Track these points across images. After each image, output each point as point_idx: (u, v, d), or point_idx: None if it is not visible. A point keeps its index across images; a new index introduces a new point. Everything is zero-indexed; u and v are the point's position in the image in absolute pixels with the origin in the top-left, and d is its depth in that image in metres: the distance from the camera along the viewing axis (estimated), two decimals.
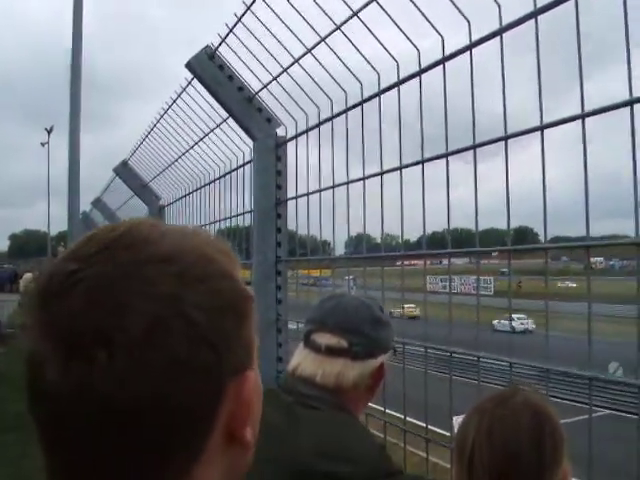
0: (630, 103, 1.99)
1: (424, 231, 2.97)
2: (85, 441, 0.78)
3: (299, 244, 4.54)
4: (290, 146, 4.42)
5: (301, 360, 2.25)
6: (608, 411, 24.94)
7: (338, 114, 3.66)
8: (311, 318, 2.33)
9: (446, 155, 2.76)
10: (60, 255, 0.86)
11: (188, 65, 4.54)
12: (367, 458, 1.99)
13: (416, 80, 2.99)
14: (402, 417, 3.23)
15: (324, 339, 2.22)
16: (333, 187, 3.70)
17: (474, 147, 2.61)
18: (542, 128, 2.30)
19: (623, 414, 22.90)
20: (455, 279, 69.30)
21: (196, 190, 6.82)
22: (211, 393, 0.84)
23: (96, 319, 0.77)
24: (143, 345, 0.77)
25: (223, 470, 0.90)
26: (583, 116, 2.15)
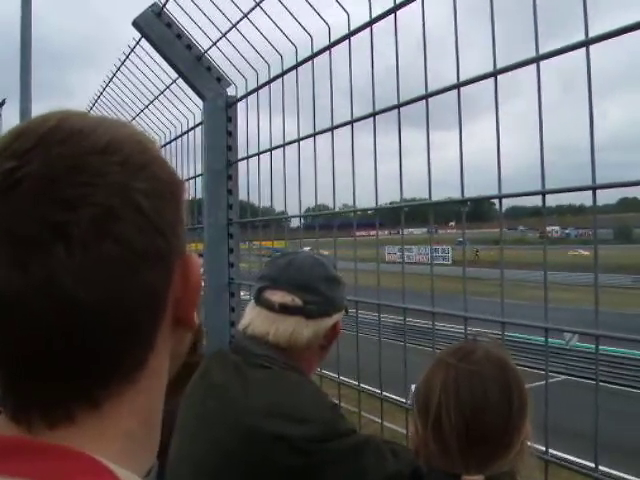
0: (586, 44, 1.94)
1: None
2: (44, 340, 0.74)
3: (251, 213, 4.44)
4: (242, 108, 4.33)
5: (253, 318, 2.18)
6: (564, 377, 25.33)
7: (288, 70, 3.55)
8: (263, 275, 2.26)
9: (398, 106, 2.68)
10: None
11: (135, 24, 4.40)
12: (318, 418, 1.94)
13: (369, 33, 2.90)
14: (355, 383, 3.19)
15: (277, 297, 2.15)
16: (284, 145, 3.61)
17: (426, 97, 2.54)
18: (495, 74, 2.24)
19: (580, 379, 23.30)
20: (413, 249, 69.68)
21: None
22: (165, 280, 0.83)
23: (48, 214, 0.73)
24: (99, 237, 0.74)
25: (169, 353, 0.91)
26: (538, 59, 2.09)
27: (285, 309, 2.13)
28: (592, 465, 2.11)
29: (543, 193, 2.13)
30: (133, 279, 0.77)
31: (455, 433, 1.70)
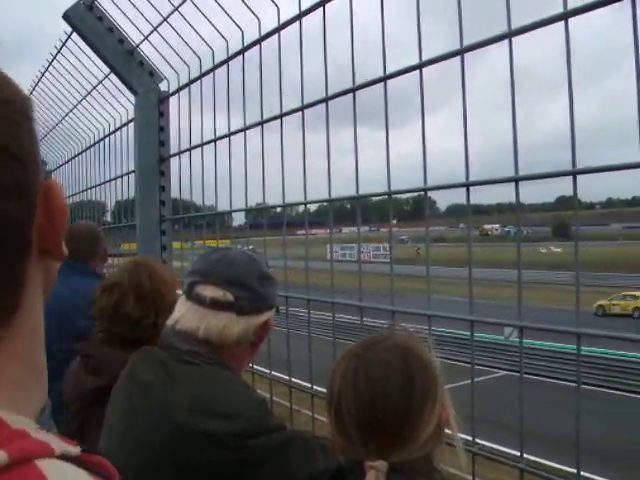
0: (508, 36, 1.97)
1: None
2: None
3: (184, 211, 4.40)
4: (175, 103, 4.28)
5: (183, 313, 2.13)
6: (504, 372, 25.77)
7: (220, 64, 3.52)
8: (195, 270, 2.21)
9: (326, 100, 2.68)
10: None
11: (65, 16, 4.33)
12: (244, 414, 1.92)
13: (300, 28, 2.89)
14: (287, 378, 3.18)
15: (208, 291, 2.10)
16: (215, 140, 3.59)
17: (353, 90, 2.56)
18: (421, 66, 2.26)
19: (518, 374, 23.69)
20: (354, 247, 69.84)
21: (81, 153, 6.61)
22: (28, 212, 0.76)
23: None
24: None
25: (40, 285, 0.84)
26: (462, 51, 2.11)
27: (216, 304, 2.09)
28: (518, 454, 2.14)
29: (467, 185, 2.15)
30: None
31: (354, 421, 1.69)
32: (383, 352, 1.74)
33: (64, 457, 0.70)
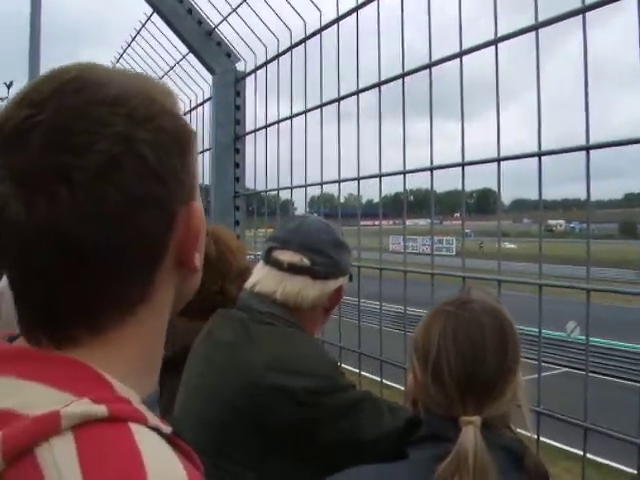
0: (582, 11, 2.00)
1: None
2: (48, 273, 0.83)
3: (258, 200, 4.53)
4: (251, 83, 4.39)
5: (261, 277, 2.23)
6: (564, 369, 25.34)
7: (297, 44, 3.62)
8: (273, 236, 2.32)
9: (402, 75, 2.75)
10: (11, 100, 0.88)
11: None
12: (319, 372, 2.00)
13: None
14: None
15: (286, 256, 2.20)
16: (291, 117, 3.69)
17: (430, 66, 2.62)
18: (496, 42, 2.32)
19: (579, 372, 23.24)
20: (417, 239, 68.83)
21: None
22: (163, 224, 0.90)
23: (55, 159, 0.81)
24: (100, 182, 0.82)
25: (174, 291, 1.00)
26: (538, 26, 2.17)
27: (293, 268, 2.18)
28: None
29: (539, 155, 2.20)
30: (129, 222, 0.85)
31: (454, 379, 1.75)
32: (477, 312, 1.81)
33: (154, 429, 0.84)
